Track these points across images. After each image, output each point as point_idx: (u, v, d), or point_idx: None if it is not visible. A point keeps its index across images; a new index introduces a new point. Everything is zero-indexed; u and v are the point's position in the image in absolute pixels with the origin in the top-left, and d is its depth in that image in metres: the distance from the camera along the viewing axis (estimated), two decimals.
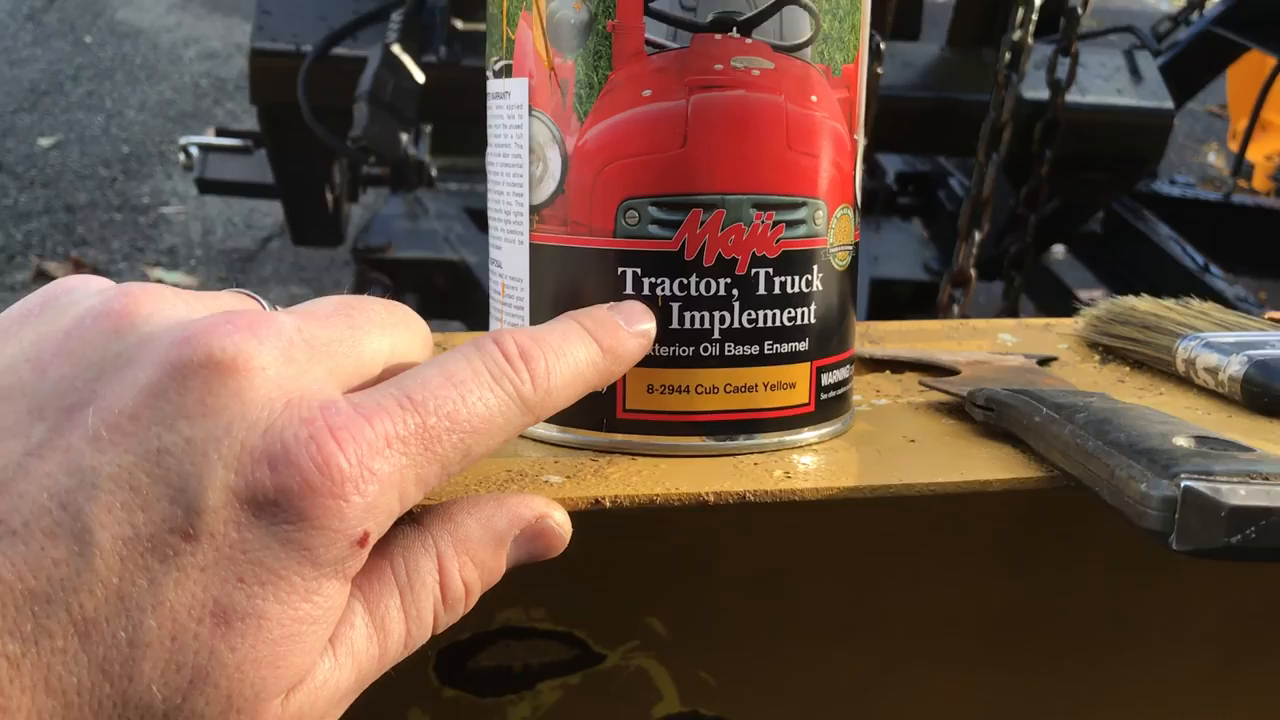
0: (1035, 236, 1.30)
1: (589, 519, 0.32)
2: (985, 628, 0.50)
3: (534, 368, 0.29)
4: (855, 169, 0.38)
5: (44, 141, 3.52)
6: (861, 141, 0.38)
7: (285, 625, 0.25)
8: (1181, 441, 0.30)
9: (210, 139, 1.79)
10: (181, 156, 1.75)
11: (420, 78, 1.22)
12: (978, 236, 1.17)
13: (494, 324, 0.39)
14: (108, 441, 0.25)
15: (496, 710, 0.48)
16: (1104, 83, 1.38)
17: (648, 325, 0.34)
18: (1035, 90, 1.25)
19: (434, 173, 1.63)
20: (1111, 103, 1.37)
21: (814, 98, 0.35)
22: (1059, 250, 2.09)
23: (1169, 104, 1.39)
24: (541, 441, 0.37)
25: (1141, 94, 1.38)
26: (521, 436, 0.38)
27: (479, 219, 1.58)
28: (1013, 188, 1.34)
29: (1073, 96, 1.25)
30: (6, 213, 3.02)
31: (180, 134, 2.65)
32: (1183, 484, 0.27)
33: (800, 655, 0.49)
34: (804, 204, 0.35)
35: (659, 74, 0.34)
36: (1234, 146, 3.08)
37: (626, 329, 0.33)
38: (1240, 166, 2.44)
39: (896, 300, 1.59)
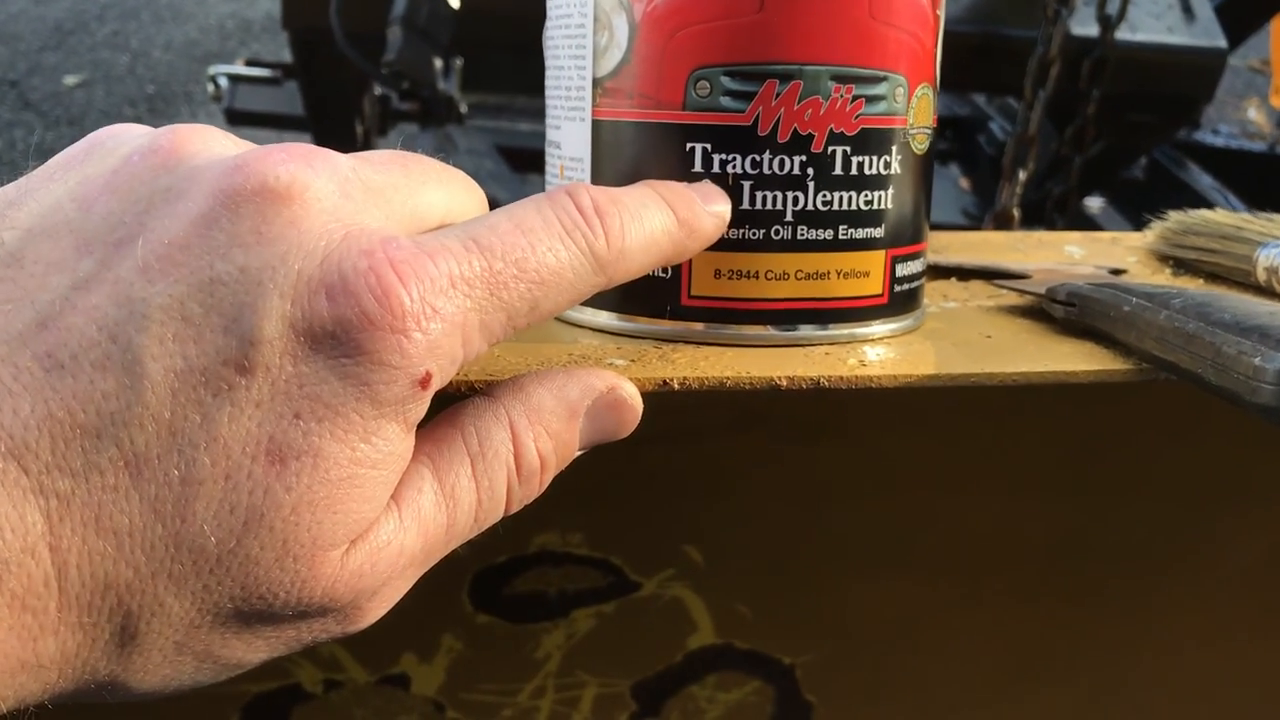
0: (1079, 180, 1.27)
1: (632, 433, 0.30)
2: (1029, 562, 0.49)
3: (609, 224, 0.28)
4: (936, 46, 0.36)
5: (69, 80, 3.51)
6: (942, 17, 0.36)
7: (343, 466, 0.24)
8: None
9: (240, 69, 1.78)
10: (210, 87, 1.74)
11: (456, 2, 1.20)
12: (1022, 175, 1.14)
13: None
14: (158, 272, 0.23)
15: (529, 637, 0.47)
16: (1155, 20, 1.34)
17: (724, 207, 0.32)
18: (1084, 26, 1.21)
19: (464, 109, 1.61)
20: (1163, 41, 1.33)
21: None
22: (1095, 204, 2.05)
23: (1222, 43, 1.35)
24: (602, 330, 0.36)
25: (1194, 33, 1.34)
26: (579, 325, 0.36)
27: (510, 156, 1.56)
28: (1056, 130, 1.31)
29: (1123, 34, 1.21)
30: (32, 150, 3.02)
31: (205, 75, 2.64)
32: None
33: (839, 589, 0.48)
34: (885, 78, 0.34)
35: None
36: (1276, 102, 3.02)
37: (703, 205, 0.31)
38: None
39: None
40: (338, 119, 1.61)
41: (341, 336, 0.24)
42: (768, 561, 0.48)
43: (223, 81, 1.73)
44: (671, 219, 0.30)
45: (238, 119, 1.76)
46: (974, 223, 1.53)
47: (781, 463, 0.45)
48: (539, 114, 1.81)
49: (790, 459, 0.44)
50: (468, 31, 1.27)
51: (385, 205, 0.27)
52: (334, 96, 1.57)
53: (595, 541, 0.46)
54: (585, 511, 0.44)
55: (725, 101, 0.33)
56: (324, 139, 1.68)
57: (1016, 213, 1.17)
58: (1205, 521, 0.49)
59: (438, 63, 1.22)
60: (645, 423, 0.30)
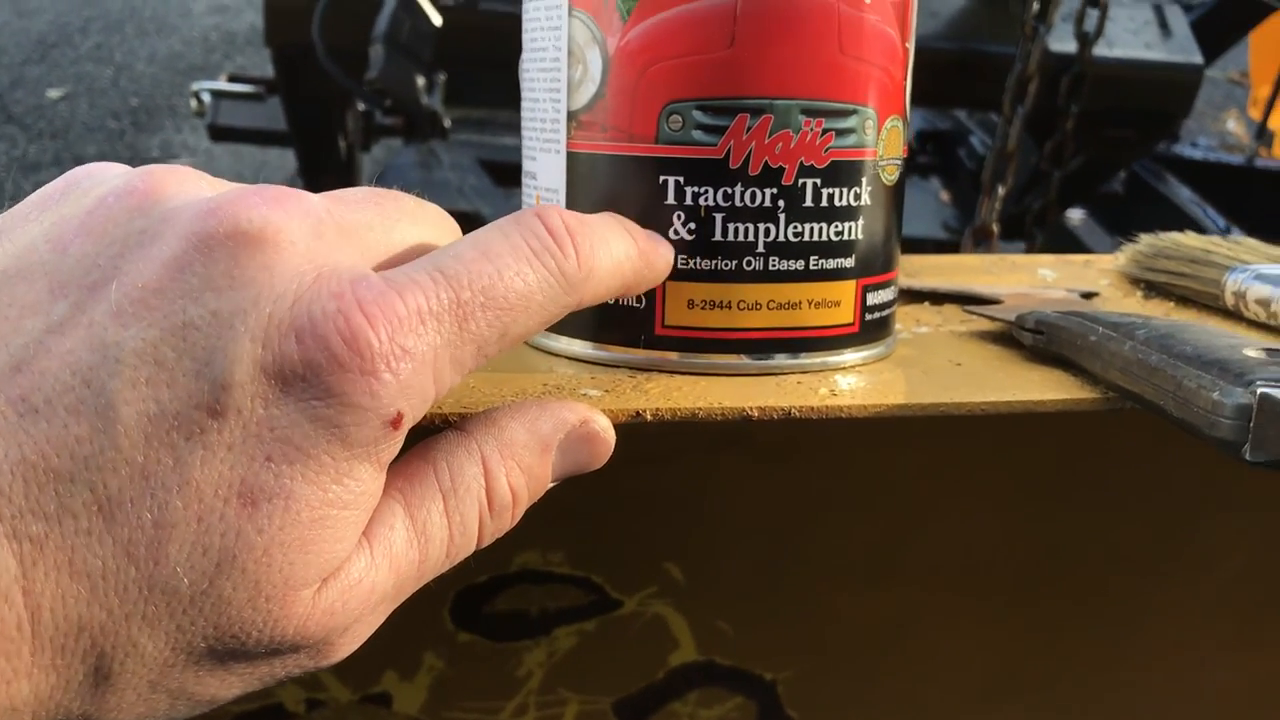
0: (1058, 194, 1.28)
1: (612, 455, 0.31)
2: (1009, 575, 0.49)
3: (579, 244, 0.28)
4: (906, 78, 0.36)
5: (53, 93, 3.50)
6: (912, 50, 0.36)
7: (314, 507, 0.24)
8: (1252, 353, 0.28)
9: (223, 85, 1.77)
10: (193, 102, 1.73)
11: (437, 20, 1.20)
12: (1001, 190, 1.15)
13: None
14: (131, 316, 0.24)
15: (511, 655, 0.47)
16: (1132, 36, 1.36)
17: (669, 251, 0.33)
18: (1062, 43, 1.22)
19: (447, 124, 1.61)
20: (1140, 57, 1.34)
21: (867, 0, 0.34)
22: (1076, 215, 2.07)
23: (1198, 59, 1.36)
24: (577, 359, 0.36)
25: (1170, 49, 1.36)
26: (555, 354, 0.37)
27: (493, 170, 1.56)
28: (1035, 144, 1.32)
29: (1100, 50, 1.22)
30: (15, 164, 3.00)
31: (188, 88, 2.64)
32: (1259, 391, 0.25)
33: (820, 605, 0.48)
34: (854, 112, 0.34)
35: None
36: (1255, 114, 3.04)
37: (654, 242, 0.32)
38: (1262, 134, 2.41)
39: None
40: (321, 134, 1.61)
41: (311, 379, 0.24)
42: (749, 578, 0.48)
43: (206, 97, 1.73)
44: (634, 247, 0.31)
45: (221, 135, 1.75)
46: (954, 236, 1.54)
47: (762, 480, 0.45)
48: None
49: (770, 476, 0.45)
50: (450, 48, 1.28)
51: (359, 244, 0.27)
52: (317, 112, 1.57)
53: (576, 560, 0.46)
54: (566, 530, 0.44)
55: (697, 135, 0.33)
56: (307, 154, 1.68)
57: (996, 228, 1.18)
58: (1186, 534, 0.49)
59: (420, 79, 1.23)
60: (626, 443, 0.30)
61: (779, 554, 0.47)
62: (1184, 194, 1.68)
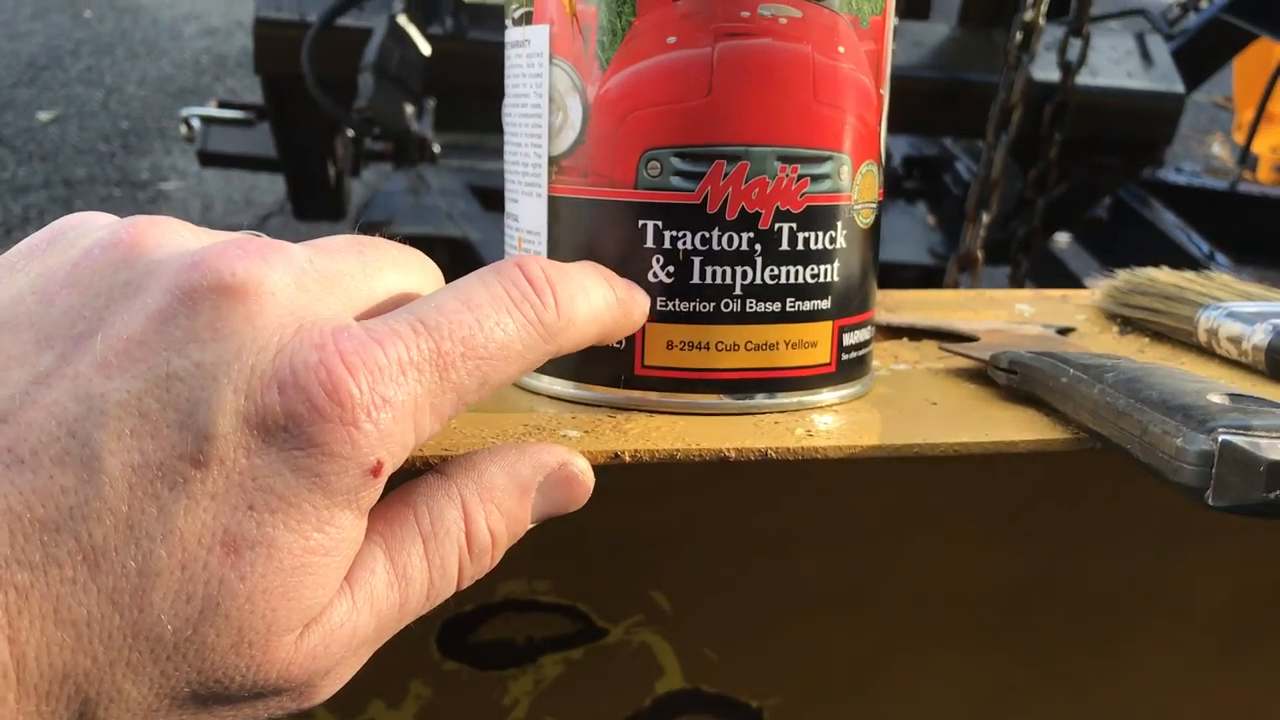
0: (1043, 220, 1.30)
1: (597, 486, 0.31)
2: (991, 605, 0.50)
3: (559, 293, 0.29)
4: (880, 124, 0.37)
5: (43, 115, 3.50)
6: (887, 97, 0.37)
7: (296, 555, 0.25)
8: (1216, 398, 0.29)
9: (213, 110, 1.78)
10: (183, 128, 1.74)
11: (426, 49, 1.21)
12: (985, 218, 1.16)
13: None
14: (116, 368, 0.24)
15: (497, 683, 0.47)
16: (1115, 65, 1.37)
17: (646, 301, 0.34)
18: (1045, 72, 1.24)
19: (437, 149, 1.62)
20: (1122, 85, 1.36)
21: (841, 49, 0.34)
22: (1063, 239, 2.08)
23: (1180, 88, 1.38)
24: (557, 399, 0.37)
25: (1152, 77, 1.37)
26: (537, 393, 0.37)
27: (482, 196, 1.57)
28: (1020, 171, 1.34)
29: (1083, 79, 1.24)
30: (4, 186, 3.00)
31: (180, 110, 2.65)
32: (1220, 438, 0.26)
33: (805, 632, 0.49)
34: (829, 158, 0.35)
35: (685, 20, 0.33)
36: (1239, 138, 3.07)
37: (631, 291, 0.33)
38: (1246, 158, 2.43)
39: (901, 284, 1.58)
40: (310, 160, 1.62)
41: (293, 429, 0.24)
42: (734, 606, 0.48)
43: (196, 123, 1.74)
44: (612, 296, 0.31)
45: (211, 160, 1.76)
46: (940, 261, 1.55)
47: (746, 509, 0.45)
48: None
49: (754, 506, 0.45)
50: (439, 76, 1.29)
51: (341, 293, 0.27)
52: (307, 139, 1.58)
53: (562, 589, 0.46)
54: (552, 559, 0.44)
55: (675, 181, 0.34)
56: (297, 180, 1.68)
57: (980, 254, 1.19)
58: (1168, 563, 0.50)
59: (409, 108, 1.23)
60: (612, 474, 0.31)
61: (765, 582, 0.48)
62: (1168, 219, 1.70)
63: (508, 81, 0.38)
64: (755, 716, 0.51)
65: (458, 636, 0.46)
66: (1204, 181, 1.99)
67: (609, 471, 0.31)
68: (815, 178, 0.35)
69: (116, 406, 0.24)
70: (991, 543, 0.48)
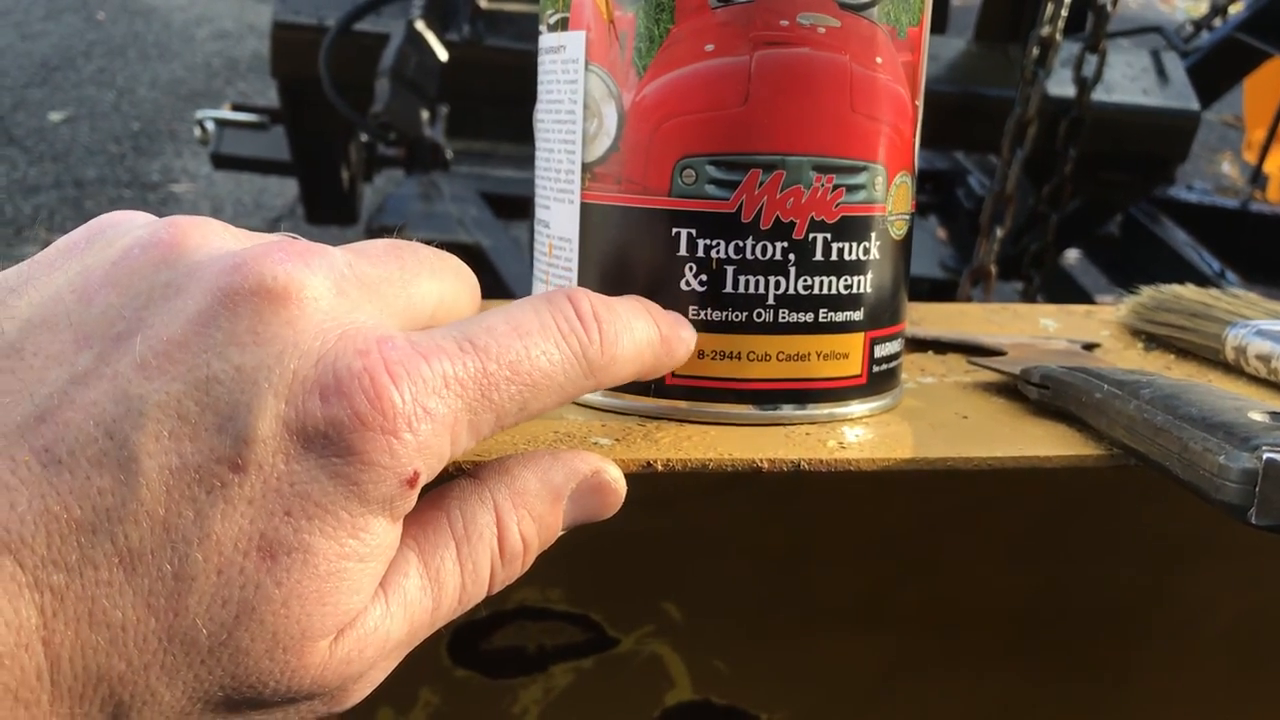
0: (1055, 236, 1.29)
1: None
2: (1002, 623, 0.49)
3: (605, 330, 0.29)
4: (915, 136, 0.37)
5: (54, 116, 3.51)
6: (921, 108, 0.37)
7: (332, 561, 0.24)
8: (1257, 416, 0.29)
9: (226, 113, 1.78)
10: (197, 130, 1.74)
11: (443, 55, 1.21)
12: (999, 233, 1.16)
13: (538, 285, 0.39)
14: (156, 369, 0.24)
15: (508, 692, 0.47)
16: (1130, 82, 1.37)
17: (691, 335, 0.34)
18: (1061, 87, 1.23)
19: (449, 155, 1.62)
20: (1137, 102, 1.36)
21: (878, 59, 0.34)
22: (1073, 254, 2.08)
23: (1195, 105, 1.38)
24: (587, 406, 0.37)
25: (1168, 95, 1.37)
26: None
27: (494, 203, 1.57)
28: (1033, 186, 1.33)
29: (1098, 95, 1.23)
30: (16, 186, 3.01)
31: (191, 112, 2.65)
32: (1265, 456, 0.26)
33: (816, 647, 0.49)
34: (865, 168, 0.35)
35: (723, 28, 0.33)
36: (1249, 157, 3.07)
37: (678, 328, 0.33)
38: (1257, 177, 2.43)
39: (913, 298, 1.57)
40: (324, 164, 1.62)
41: (334, 436, 0.24)
42: (745, 618, 0.48)
43: (209, 125, 1.74)
44: (656, 334, 0.31)
45: (224, 163, 1.76)
46: (951, 275, 1.55)
47: (759, 521, 0.45)
48: (523, 161, 1.81)
49: (768, 518, 0.45)
50: (455, 83, 1.29)
51: (380, 300, 0.27)
52: (321, 142, 1.58)
53: (575, 597, 0.46)
54: (565, 568, 0.44)
55: (710, 189, 0.34)
56: (310, 184, 1.68)
57: (994, 269, 1.19)
58: (1181, 582, 0.49)
59: (424, 113, 1.24)
60: (628, 484, 0.31)
61: (776, 595, 0.48)
62: (1179, 237, 1.70)
63: (541, 87, 0.38)
64: None
65: (469, 644, 0.46)
66: (1215, 200, 1.98)
67: (626, 480, 0.31)
68: (850, 188, 0.34)
69: (155, 408, 0.24)
70: (1003, 561, 0.48)
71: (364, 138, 1.65)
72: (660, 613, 0.47)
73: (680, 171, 0.34)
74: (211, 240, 0.27)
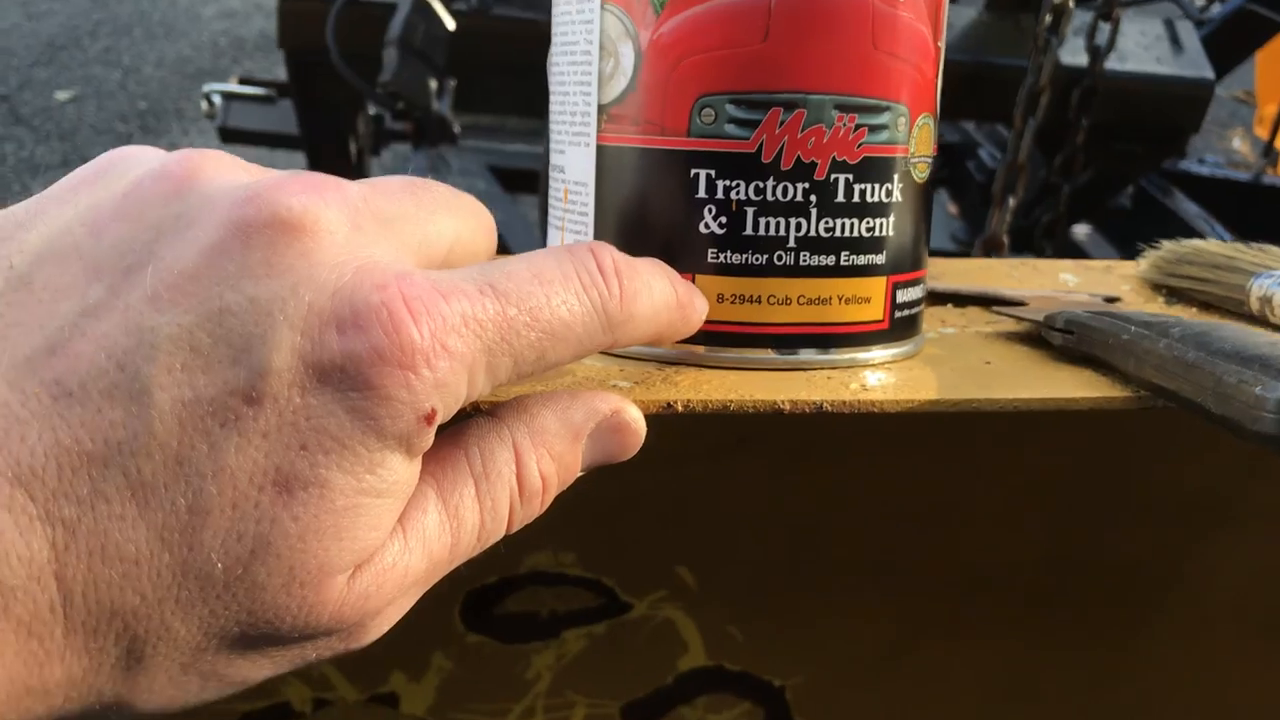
0: (1068, 207, 1.28)
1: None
2: (1018, 589, 0.49)
3: (625, 286, 0.28)
4: (937, 77, 0.36)
5: (61, 95, 3.51)
6: (943, 50, 0.36)
7: (348, 496, 0.24)
8: None
9: (234, 87, 1.78)
10: (204, 104, 1.73)
11: (451, 24, 1.20)
12: (1011, 203, 1.15)
13: (553, 232, 0.38)
14: (167, 301, 0.23)
15: (520, 657, 0.47)
16: (1144, 51, 1.36)
17: (705, 305, 0.33)
18: (1073, 56, 1.22)
19: (457, 129, 1.61)
20: (1151, 71, 1.34)
21: None
22: (1083, 230, 2.07)
23: (1209, 74, 1.36)
24: (605, 351, 0.36)
25: (1182, 64, 1.36)
26: None
27: (502, 177, 1.57)
28: (1045, 157, 1.32)
29: (1111, 64, 1.22)
30: (23, 165, 3.01)
31: (198, 91, 2.64)
32: None
33: (830, 611, 0.48)
34: (887, 108, 0.34)
35: None
36: (1260, 132, 3.05)
37: (693, 295, 0.32)
38: (1269, 152, 2.41)
39: None
40: (332, 138, 1.61)
41: (350, 370, 0.24)
42: (759, 583, 0.48)
43: (216, 99, 1.73)
44: (674, 297, 0.31)
45: (231, 137, 1.75)
46: (963, 248, 1.54)
47: (773, 486, 0.45)
48: (531, 135, 1.81)
49: (782, 482, 0.45)
50: (462, 53, 1.28)
51: (395, 236, 0.27)
52: (328, 116, 1.58)
53: (587, 562, 0.46)
54: (578, 532, 0.44)
55: (730, 129, 0.33)
56: (318, 158, 1.68)
57: (1006, 239, 1.18)
58: (1195, 545, 0.49)
59: (432, 83, 1.23)
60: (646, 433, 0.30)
61: (789, 560, 0.47)
62: (1191, 209, 1.68)
63: (555, 29, 0.37)
64: (778, 695, 0.50)
65: (481, 609, 0.46)
66: (1227, 173, 1.97)
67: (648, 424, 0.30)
68: (873, 128, 0.34)
69: (167, 340, 0.23)
70: (1019, 521, 0.47)
71: (372, 111, 1.64)
72: (673, 578, 0.47)
73: (699, 111, 0.33)
74: (223, 173, 0.26)
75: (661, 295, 0.30)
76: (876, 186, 0.34)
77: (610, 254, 0.29)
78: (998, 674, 0.51)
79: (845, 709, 0.51)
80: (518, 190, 1.60)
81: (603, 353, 0.36)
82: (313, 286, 0.24)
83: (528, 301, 0.26)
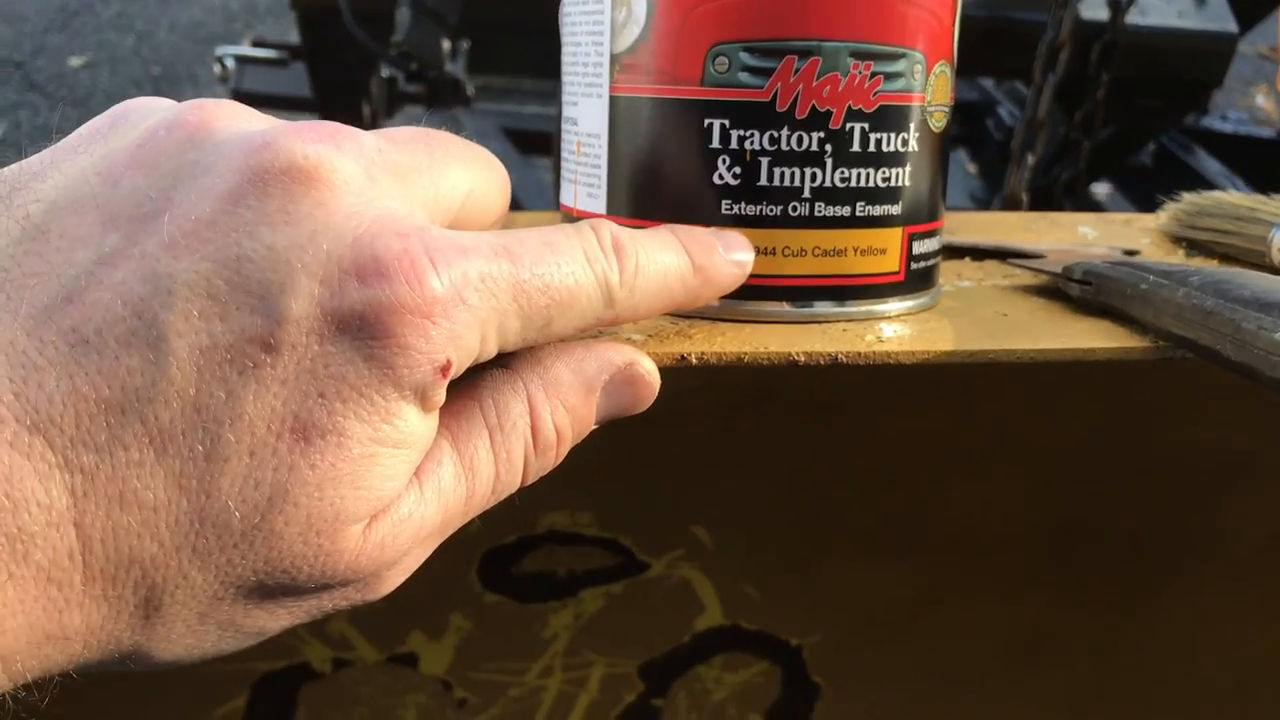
0: (1088, 164, 1.27)
1: (644, 411, 0.31)
2: (1032, 548, 0.49)
3: (624, 262, 0.28)
4: (954, 24, 0.35)
5: (74, 61, 3.50)
6: None
7: (365, 444, 0.24)
8: None
9: (247, 50, 1.77)
10: (217, 68, 1.73)
11: None
12: (1031, 159, 1.14)
13: (567, 186, 0.38)
14: (184, 248, 0.23)
15: (537, 617, 0.47)
16: (1166, 4, 1.33)
17: (745, 255, 0.32)
18: (1094, 10, 1.20)
19: (470, 91, 1.60)
20: (1173, 25, 1.32)
21: None
22: (1102, 189, 2.05)
23: (1233, 27, 1.34)
24: None
25: (1205, 17, 1.33)
26: None
27: (516, 139, 1.56)
28: (1064, 114, 1.31)
29: (1133, 18, 1.20)
30: (38, 132, 3.01)
31: (211, 56, 2.64)
32: None
33: (847, 570, 0.48)
34: (903, 55, 0.33)
35: None
36: None
37: (723, 253, 0.31)
38: None
39: None
40: (345, 101, 1.61)
41: (370, 318, 0.24)
42: (776, 543, 0.48)
43: (230, 63, 1.73)
44: (686, 263, 0.30)
45: (244, 100, 1.74)
46: (981, 207, 1.53)
47: (790, 444, 0.45)
48: (545, 96, 1.79)
49: (799, 441, 0.44)
50: (474, 13, 1.27)
51: (409, 189, 0.27)
52: (341, 78, 1.57)
53: (604, 522, 0.46)
54: (595, 491, 0.44)
55: (744, 77, 0.33)
56: (331, 119, 1.66)
57: (1025, 197, 1.17)
58: (1212, 505, 0.49)
59: (446, 44, 1.22)
60: (656, 402, 0.30)
61: (806, 519, 0.47)
62: (1213, 167, 1.66)
63: None
64: (794, 655, 0.51)
65: (499, 569, 0.46)
66: (1250, 130, 1.94)
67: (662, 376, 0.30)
68: (889, 76, 0.33)
69: (184, 287, 0.23)
70: (1036, 479, 0.47)
71: (385, 73, 1.63)
72: (690, 537, 0.47)
73: (713, 59, 0.33)
74: (237, 121, 0.26)
75: (671, 266, 0.30)
76: (892, 136, 0.34)
77: (610, 229, 0.29)
78: (1015, 632, 0.51)
79: (862, 668, 0.51)
80: (531, 152, 1.59)
81: None
82: (331, 235, 0.24)
83: (539, 266, 0.26)
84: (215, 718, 0.47)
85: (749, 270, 0.32)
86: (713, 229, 0.33)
